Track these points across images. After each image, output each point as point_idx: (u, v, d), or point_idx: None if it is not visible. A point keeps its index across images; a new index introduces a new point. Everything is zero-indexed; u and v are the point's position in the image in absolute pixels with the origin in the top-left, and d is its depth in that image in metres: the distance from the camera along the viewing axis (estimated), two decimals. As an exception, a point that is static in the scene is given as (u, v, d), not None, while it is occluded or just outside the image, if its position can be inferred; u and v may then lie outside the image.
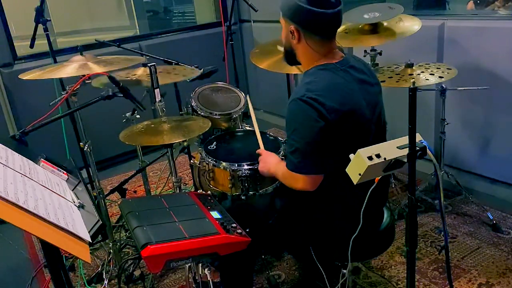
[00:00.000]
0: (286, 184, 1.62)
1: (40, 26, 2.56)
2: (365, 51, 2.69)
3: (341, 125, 1.45)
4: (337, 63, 1.54)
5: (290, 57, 1.62)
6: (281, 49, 1.69)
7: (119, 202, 2.02)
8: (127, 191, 2.53)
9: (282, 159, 1.91)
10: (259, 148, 2.00)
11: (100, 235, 2.42)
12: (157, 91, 1.90)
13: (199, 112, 2.45)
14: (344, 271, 1.77)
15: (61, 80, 2.66)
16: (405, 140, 1.24)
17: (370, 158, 1.20)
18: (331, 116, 1.43)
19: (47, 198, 1.18)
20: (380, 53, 2.67)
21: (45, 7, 2.57)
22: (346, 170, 1.26)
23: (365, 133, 1.54)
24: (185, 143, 2.26)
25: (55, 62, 2.69)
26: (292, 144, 1.49)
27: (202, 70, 2.45)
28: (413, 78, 2.33)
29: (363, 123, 1.52)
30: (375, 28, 2.50)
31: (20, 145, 1.50)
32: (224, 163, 2.12)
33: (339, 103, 1.44)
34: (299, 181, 1.53)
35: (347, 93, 1.49)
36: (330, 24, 1.48)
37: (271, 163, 1.79)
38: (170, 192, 3.14)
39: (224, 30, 3.68)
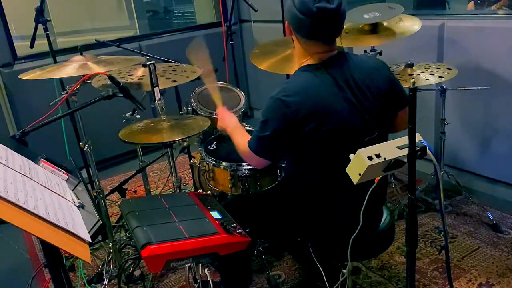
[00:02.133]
0: (239, 152, 1.75)
1: (40, 26, 2.56)
2: (365, 51, 2.69)
3: (309, 125, 1.49)
4: (320, 63, 1.56)
5: None
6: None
7: (119, 202, 2.02)
8: (127, 191, 2.54)
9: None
10: None
11: (100, 235, 2.43)
12: (156, 89, 1.89)
13: (199, 112, 2.45)
14: (344, 271, 1.77)
15: (61, 80, 2.66)
16: (405, 140, 1.24)
17: (370, 158, 1.20)
18: (296, 116, 1.49)
19: (47, 198, 1.18)
20: (380, 53, 2.67)
21: (45, 7, 2.57)
22: (346, 170, 1.26)
23: (344, 135, 1.53)
24: (185, 143, 2.26)
25: (55, 62, 2.69)
26: (259, 130, 1.59)
27: (202, 70, 2.44)
28: (413, 78, 2.33)
29: (338, 125, 1.51)
30: (375, 28, 2.50)
31: (20, 145, 1.50)
32: (224, 163, 2.12)
33: (306, 104, 1.49)
34: (251, 159, 1.67)
35: (319, 95, 1.51)
36: (310, 29, 1.51)
37: (229, 124, 1.90)
38: (170, 192, 3.14)
39: (224, 30, 3.68)
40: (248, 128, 2.60)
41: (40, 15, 2.53)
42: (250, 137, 1.68)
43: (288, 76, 3.26)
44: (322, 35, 1.53)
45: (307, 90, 1.52)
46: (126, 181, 2.44)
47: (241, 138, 1.76)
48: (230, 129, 1.87)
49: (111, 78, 1.80)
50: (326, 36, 1.55)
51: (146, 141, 1.89)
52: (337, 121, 1.51)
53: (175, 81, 2.21)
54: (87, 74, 1.89)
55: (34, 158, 1.42)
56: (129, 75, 2.27)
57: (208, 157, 2.18)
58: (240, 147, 1.73)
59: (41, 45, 2.73)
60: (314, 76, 1.54)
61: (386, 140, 1.62)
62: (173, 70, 2.34)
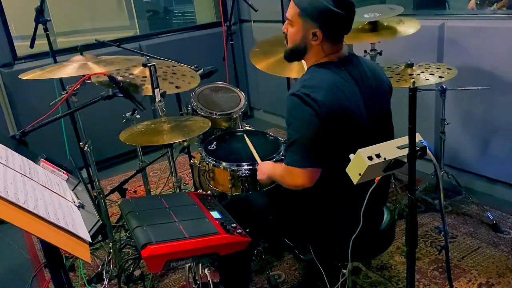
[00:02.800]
0: (285, 184, 1.63)
1: (40, 26, 2.56)
2: (365, 51, 2.69)
3: (333, 121, 1.46)
4: (337, 61, 1.55)
5: (296, 56, 1.63)
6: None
7: (119, 202, 2.02)
8: (127, 191, 2.54)
9: (281, 159, 1.96)
10: (259, 148, 2.01)
11: (100, 235, 2.43)
12: (156, 91, 1.89)
13: (199, 112, 2.45)
14: (344, 271, 1.77)
15: (61, 80, 2.66)
16: (405, 140, 1.24)
17: (370, 158, 1.20)
18: (323, 111, 1.44)
19: (47, 198, 1.18)
20: (380, 53, 2.67)
21: (45, 7, 2.57)
22: (346, 170, 1.26)
23: (360, 133, 1.53)
24: (185, 143, 2.26)
25: (55, 62, 2.69)
26: (289, 138, 1.52)
27: (202, 70, 2.45)
28: (413, 78, 2.33)
29: (358, 122, 1.51)
30: (375, 27, 2.51)
31: (20, 145, 1.50)
32: (224, 163, 2.12)
33: (332, 99, 1.46)
34: (297, 176, 1.53)
35: (342, 91, 1.49)
36: (345, 23, 1.51)
37: (267, 167, 1.80)
38: (170, 192, 3.14)
39: (224, 30, 3.68)
40: (248, 128, 2.60)
41: (40, 15, 2.53)
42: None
43: (288, 79, 3.26)
44: (348, 30, 1.53)
45: (332, 87, 1.48)
46: (126, 181, 2.44)
47: (278, 168, 1.66)
48: (271, 171, 1.75)
49: (111, 78, 1.80)
50: (347, 32, 1.55)
51: (147, 143, 1.88)
52: (357, 120, 1.51)
53: (178, 87, 2.20)
54: (87, 74, 1.89)
55: (34, 158, 1.42)
56: (131, 75, 2.27)
57: (208, 157, 2.18)
58: (282, 174, 1.62)
59: (41, 45, 2.73)
60: (335, 74, 1.51)
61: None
62: (173, 73, 2.33)
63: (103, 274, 2.32)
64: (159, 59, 2.53)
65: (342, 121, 1.48)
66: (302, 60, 1.65)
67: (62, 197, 1.27)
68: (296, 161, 1.51)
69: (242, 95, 2.64)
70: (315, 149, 1.49)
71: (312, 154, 1.50)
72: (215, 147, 2.30)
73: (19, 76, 1.99)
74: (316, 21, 1.49)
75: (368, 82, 1.57)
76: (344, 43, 1.60)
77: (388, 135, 1.65)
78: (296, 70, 2.28)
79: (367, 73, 1.59)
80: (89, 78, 1.96)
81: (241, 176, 2.06)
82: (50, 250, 1.22)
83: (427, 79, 2.30)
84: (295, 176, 1.54)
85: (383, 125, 1.64)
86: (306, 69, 1.63)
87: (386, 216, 1.79)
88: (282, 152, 2.13)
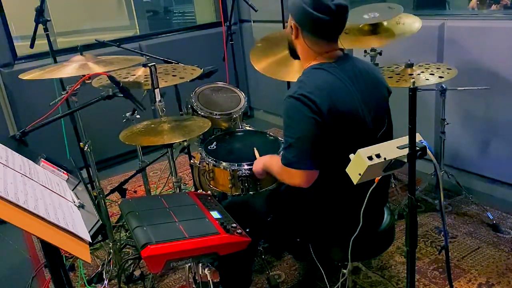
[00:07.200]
0: (281, 179, 1.65)
1: (40, 26, 2.56)
2: (365, 51, 2.69)
3: (332, 122, 1.47)
4: (333, 63, 1.55)
5: (292, 51, 1.67)
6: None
7: (119, 202, 2.02)
8: (127, 191, 2.54)
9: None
10: (259, 148, 2.02)
11: (100, 235, 2.43)
12: (157, 91, 1.89)
13: (199, 112, 2.45)
14: (344, 271, 1.77)
15: (61, 80, 2.66)
16: (405, 140, 1.24)
17: (370, 158, 1.20)
18: (321, 113, 1.45)
19: (47, 198, 1.18)
20: (380, 53, 2.67)
21: (45, 7, 2.57)
22: (346, 170, 1.26)
23: (359, 133, 1.53)
24: (185, 143, 2.26)
25: (55, 62, 2.69)
26: (286, 140, 1.52)
27: (202, 70, 2.45)
28: (413, 78, 2.33)
29: (357, 122, 1.52)
30: (375, 29, 2.50)
31: (20, 145, 1.50)
32: (224, 163, 2.12)
33: (330, 101, 1.46)
34: (294, 177, 1.54)
35: (338, 92, 1.50)
36: (326, 28, 1.51)
37: (262, 159, 1.84)
38: (170, 192, 3.14)
39: (224, 30, 3.68)
40: (248, 128, 2.60)
41: (40, 15, 2.53)
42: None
43: (289, 83, 3.26)
44: (336, 32, 1.54)
45: (328, 88, 1.48)
46: (126, 181, 2.44)
47: (276, 162, 1.64)
48: (268, 163, 1.78)
49: (111, 78, 1.80)
50: (337, 34, 1.56)
51: (147, 143, 1.89)
52: (356, 120, 1.51)
53: (182, 78, 2.22)
54: (87, 74, 1.89)
55: (34, 158, 1.42)
56: (131, 75, 2.27)
57: (208, 157, 2.18)
58: (279, 172, 1.62)
59: (41, 45, 2.73)
60: (330, 74, 1.52)
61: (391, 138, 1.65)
62: (173, 70, 2.34)
63: (103, 274, 2.32)
64: (159, 59, 2.53)
65: (340, 122, 1.48)
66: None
67: (62, 197, 1.27)
68: (294, 162, 1.51)
69: (242, 95, 2.64)
70: (313, 151, 1.49)
71: (310, 156, 1.49)
72: (215, 147, 2.30)
73: (19, 76, 1.99)
74: (292, 16, 1.55)
75: (365, 81, 1.57)
76: (343, 47, 1.62)
77: (387, 134, 1.65)
78: (297, 70, 2.27)
79: (363, 72, 1.59)
80: (89, 78, 1.96)
81: (241, 176, 2.06)
82: (50, 250, 1.22)
83: (427, 79, 2.30)
84: (292, 176, 1.55)
85: (382, 123, 1.63)
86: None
87: (386, 216, 1.79)
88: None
